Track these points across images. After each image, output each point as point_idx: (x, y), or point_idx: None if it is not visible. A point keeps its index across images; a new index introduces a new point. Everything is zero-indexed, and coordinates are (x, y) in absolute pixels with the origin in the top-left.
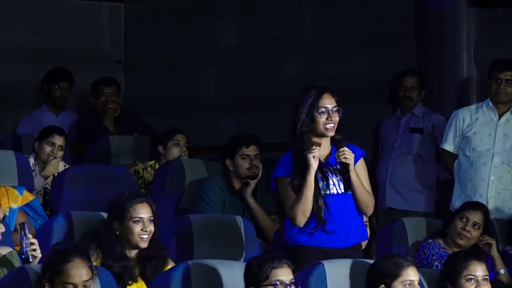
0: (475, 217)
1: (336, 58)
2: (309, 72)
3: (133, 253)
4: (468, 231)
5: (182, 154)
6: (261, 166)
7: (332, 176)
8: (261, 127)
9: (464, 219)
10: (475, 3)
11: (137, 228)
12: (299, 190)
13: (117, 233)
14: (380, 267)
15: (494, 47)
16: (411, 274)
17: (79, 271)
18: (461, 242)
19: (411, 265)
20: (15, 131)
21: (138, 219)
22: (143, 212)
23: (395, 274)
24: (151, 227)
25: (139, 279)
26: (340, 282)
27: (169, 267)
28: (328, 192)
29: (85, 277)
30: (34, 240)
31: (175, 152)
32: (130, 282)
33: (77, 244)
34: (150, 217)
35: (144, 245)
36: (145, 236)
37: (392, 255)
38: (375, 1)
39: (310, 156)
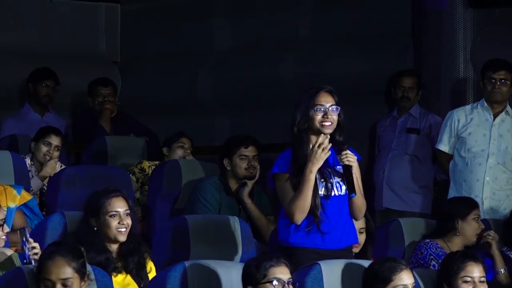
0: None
1: (332, 58)
2: (306, 72)
3: (113, 247)
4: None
5: (186, 157)
6: (258, 167)
7: (331, 177)
8: (258, 127)
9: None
10: (471, 3)
11: (114, 222)
12: (297, 187)
13: (95, 229)
14: (374, 271)
15: (491, 47)
16: (404, 279)
17: (56, 269)
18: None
19: (404, 269)
20: (1, 132)
21: (114, 213)
22: (119, 206)
23: (387, 279)
24: (128, 221)
25: (123, 271)
26: (337, 282)
27: (148, 262)
28: (326, 193)
29: (63, 276)
30: (36, 244)
31: (179, 153)
32: (114, 274)
33: (65, 243)
34: (126, 210)
35: (123, 238)
36: (123, 230)
37: (387, 259)
38: (371, 2)
39: (322, 154)
